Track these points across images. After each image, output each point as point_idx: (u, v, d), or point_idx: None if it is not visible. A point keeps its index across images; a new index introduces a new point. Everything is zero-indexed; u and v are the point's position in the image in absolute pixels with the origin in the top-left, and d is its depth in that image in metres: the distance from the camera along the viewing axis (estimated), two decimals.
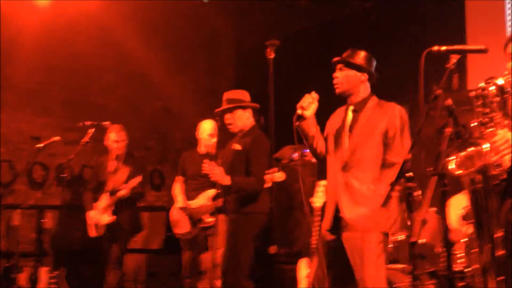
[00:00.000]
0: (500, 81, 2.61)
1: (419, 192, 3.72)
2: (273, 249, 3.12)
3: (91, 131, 5.19)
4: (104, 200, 5.39)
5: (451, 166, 2.35)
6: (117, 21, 7.04)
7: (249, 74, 7.88)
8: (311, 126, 3.30)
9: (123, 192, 5.26)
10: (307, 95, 3.26)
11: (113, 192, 5.36)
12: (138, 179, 5.30)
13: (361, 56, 3.30)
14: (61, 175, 5.00)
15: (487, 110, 2.59)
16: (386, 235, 3.13)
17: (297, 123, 3.25)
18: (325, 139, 3.39)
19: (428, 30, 6.00)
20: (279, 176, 4.44)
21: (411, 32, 6.19)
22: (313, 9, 7.48)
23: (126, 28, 7.15)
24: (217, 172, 4.21)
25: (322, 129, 3.43)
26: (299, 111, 3.21)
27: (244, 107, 4.39)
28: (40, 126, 7.02)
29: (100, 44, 7.35)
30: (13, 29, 6.53)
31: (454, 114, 2.33)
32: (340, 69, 3.31)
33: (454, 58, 2.41)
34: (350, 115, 3.32)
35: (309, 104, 3.24)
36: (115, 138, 5.47)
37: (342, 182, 3.20)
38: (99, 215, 5.36)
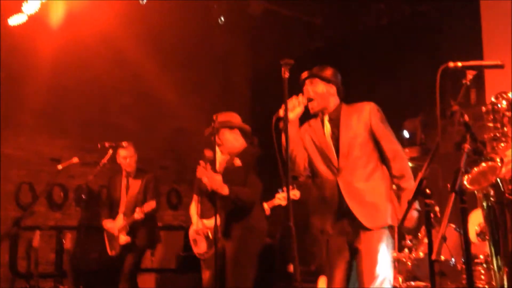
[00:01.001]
0: (511, 95, 2.61)
1: (438, 209, 3.69)
2: (291, 268, 3.09)
3: (109, 152, 5.26)
4: (120, 220, 5.44)
5: (464, 182, 2.34)
6: (132, 42, 7.14)
7: (264, 93, 7.92)
8: (292, 129, 3.23)
9: (137, 216, 5.30)
10: (294, 97, 3.27)
11: (126, 213, 5.41)
12: (152, 205, 5.33)
13: (328, 71, 3.42)
14: (80, 196, 5.05)
15: (498, 125, 2.59)
16: (391, 228, 3.22)
17: (280, 124, 3.17)
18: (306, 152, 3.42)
19: (444, 45, 5.99)
20: (293, 194, 4.44)
21: (427, 48, 6.19)
22: (327, 27, 7.52)
23: (141, 49, 7.25)
24: (216, 178, 4.03)
25: None
26: (281, 111, 3.11)
27: (231, 128, 4.29)
28: (59, 148, 7.12)
29: (116, 65, 7.46)
30: (29, 51, 6.66)
31: (471, 130, 2.32)
32: (311, 82, 3.40)
33: (470, 74, 2.41)
34: (328, 125, 3.38)
35: (293, 107, 3.25)
36: (124, 154, 5.53)
37: (346, 189, 3.25)
38: (118, 234, 5.43)
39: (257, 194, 4.19)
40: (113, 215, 5.56)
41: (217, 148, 4.90)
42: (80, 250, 6.21)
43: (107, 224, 5.50)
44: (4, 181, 6.75)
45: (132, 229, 5.41)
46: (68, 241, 6.40)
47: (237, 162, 4.23)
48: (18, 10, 5.94)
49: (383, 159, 3.30)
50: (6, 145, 6.82)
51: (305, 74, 3.43)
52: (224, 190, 4.03)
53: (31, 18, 6.01)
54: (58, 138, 7.21)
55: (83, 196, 5.14)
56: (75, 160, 5.18)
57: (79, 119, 7.36)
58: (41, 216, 6.96)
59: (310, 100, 3.36)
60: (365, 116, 3.31)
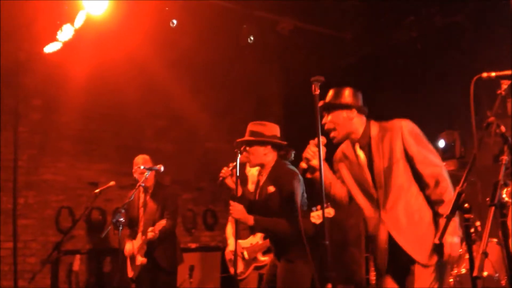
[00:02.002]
0: None
1: (479, 223, 3.59)
2: (330, 287, 3.04)
3: (145, 174, 5.30)
4: (138, 240, 5.34)
5: (503, 195, 2.27)
6: (164, 65, 7.25)
7: (296, 111, 7.92)
8: (325, 173, 3.17)
9: (150, 236, 5.18)
10: (311, 144, 3.17)
11: (144, 232, 5.28)
12: (162, 223, 5.19)
13: (345, 94, 3.24)
14: (118, 219, 5.07)
15: None
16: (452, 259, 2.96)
17: (309, 175, 3.13)
18: (340, 178, 3.30)
19: (477, 57, 5.89)
20: (327, 212, 4.37)
21: (459, 59, 6.09)
22: (357, 42, 7.50)
23: (173, 72, 7.35)
24: (237, 208, 3.87)
25: None
26: (303, 164, 3.12)
27: (262, 143, 4.05)
28: (96, 172, 7.25)
29: (149, 89, 7.60)
30: (64, 78, 6.81)
31: (509, 141, 2.25)
32: (328, 114, 3.24)
33: (505, 84, 2.35)
34: (361, 154, 3.21)
35: (314, 153, 3.14)
36: (139, 164, 5.39)
37: (391, 221, 3.07)
38: (136, 254, 5.32)
39: (296, 225, 3.73)
40: (133, 234, 5.45)
41: (249, 170, 4.90)
42: (120, 272, 6.26)
43: (126, 246, 5.40)
44: (44, 206, 6.91)
45: (150, 250, 5.28)
46: (76, 263, 6.44)
47: (271, 188, 3.99)
48: (53, 38, 6.09)
49: (422, 184, 3.06)
50: (45, 171, 7.00)
51: (320, 104, 3.19)
52: (249, 220, 3.85)
53: (65, 45, 6.16)
54: (95, 162, 7.34)
55: (122, 219, 5.15)
56: (112, 183, 5.25)
57: (115, 143, 7.49)
58: (80, 240, 7.07)
59: (330, 130, 3.25)
60: (397, 138, 3.08)
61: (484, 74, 2.36)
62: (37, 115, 7.03)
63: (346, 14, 7.26)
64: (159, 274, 5.32)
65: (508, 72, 2.38)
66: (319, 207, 4.29)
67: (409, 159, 3.06)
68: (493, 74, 2.36)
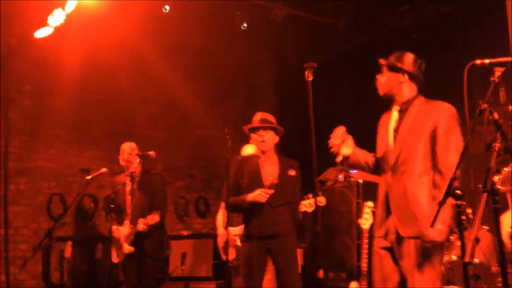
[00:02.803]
0: None
1: (470, 210, 3.61)
2: (321, 273, 3.06)
3: (136, 161, 5.27)
4: (126, 228, 5.27)
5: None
6: (157, 52, 7.21)
7: (289, 98, 7.91)
8: (358, 158, 3.29)
9: (141, 228, 5.12)
10: (333, 136, 3.24)
11: (132, 221, 5.21)
12: (155, 218, 5.15)
13: (400, 58, 3.30)
14: (109, 206, 5.04)
15: None
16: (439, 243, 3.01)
17: (344, 165, 3.32)
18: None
19: (471, 45, 5.89)
20: (320, 200, 4.40)
21: (453, 47, 6.10)
22: (351, 30, 7.48)
23: (166, 59, 7.30)
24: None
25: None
26: (339, 158, 3.24)
27: (277, 131, 4.59)
28: (88, 159, 7.22)
29: (141, 76, 7.55)
30: (57, 65, 6.75)
31: (501, 129, 2.26)
32: (382, 71, 3.33)
33: (498, 71, 2.35)
34: (395, 115, 3.25)
35: (339, 146, 3.21)
36: (126, 151, 5.35)
37: (394, 189, 3.12)
38: (122, 242, 5.26)
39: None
40: (120, 221, 5.35)
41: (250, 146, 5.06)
42: (110, 259, 6.25)
43: (114, 230, 5.30)
44: (35, 193, 6.88)
45: (138, 238, 5.20)
46: (68, 250, 6.41)
47: (292, 172, 4.53)
48: (44, 23, 6.02)
49: (436, 167, 3.06)
50: (36, 158, 6.95)
51: (379, 61, 3.37)
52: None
53: (57, 30, 6.09)
54: (87, 149, 7.31)
55: (113, 206, 5.11)
56: (104, 170, 5.20)
57: (107, 130, 7.44)
58: (72, 226, 7.06)
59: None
60: (434, 115, 3.09)
61: (478, 61, 2.35)
62: (28, 101, 6.98)
63: (339, 2, 7.23)
64: (145, 260, 5.27)
65: (501, 59, 2.38)
66: (310, 195, 4.33)
67: (434, 139, 3.06)
68: (487, 61, 2.36)
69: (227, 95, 8.42)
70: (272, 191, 4.33)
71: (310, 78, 3.08)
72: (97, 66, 7.03)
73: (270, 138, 4.53)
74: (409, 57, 3.29)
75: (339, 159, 3.24)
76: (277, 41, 8.40)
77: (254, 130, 4.54)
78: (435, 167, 3.05)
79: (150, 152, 5.27)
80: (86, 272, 6.81)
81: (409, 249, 3.03)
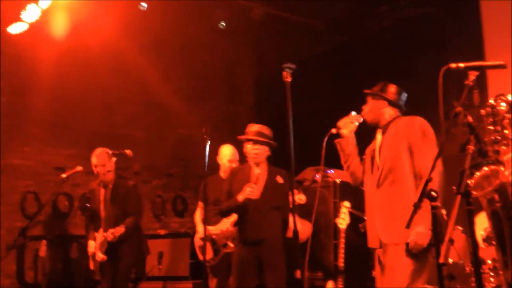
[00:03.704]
0: (510, 98, 2.59)
1: (444, 212, 3.66)
2: (298, 274, 3.07)
3: (113, 159, 5.23)
4: (100, 236, 5.24)
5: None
6: (137, 51, 7.16)
7: (268, 98, 7.92)
8: (348, 145, 3.55)
9: (110, 238, 5.09)
10: (347, 116, 3.53)
11: (106, 229, 5.18)
12: (120, 230, 5.10)
13: (383, 88, 3.55)
14: (84, 205, 4.99)
15: (498, 127, 2.57)
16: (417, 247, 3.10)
17: (336, 140, 3.54)
18: (363, 160, 3.57)
19: (446, 47, 5.97)
20: (299, 198, 4.45)
21: (430, 49, 6.17)
22: (330, 31, 7.51)
23: (145, 58, 7.26)
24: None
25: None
26: (333, 130, 3.50)
27: (270, 146, 4.62)
28: (64, 158, 7.12)
29: (121, 75, 7.48)
30: (34, 62, 6.66)
31: (475, 131, 2.29)
32: (366, 101, 3.60)
33: (472, 75, 2.38)
34: (379, 137, 3.49)
35: (345, 124, 3.51)
36: (94, 162, 5.28)
37: (378, 199, 3.32)
38: (96, 251, 5.25)
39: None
40: (96, 228, 5.35)
41: (221, 158, 5.06)
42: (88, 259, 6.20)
43: (90, 243, 5.30)
44: (9, 191, 6.76)
45: (113, 246, 5.17)
46: (43, 249, 6.33)
47: (279, 179, 4.56)
48: (18, 18, 5.93)
49: (416, 176, 3.27)
50: (11, 156, 6.83)
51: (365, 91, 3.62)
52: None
53: (34, 27, 6.01)
54: (63, 147, 7.21)
55: (88, 205, 5.07)
56: (79, 168, 5.15)
57: (85, 128, 7.36)
58: (47, 225, 6.96)
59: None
60: (408, 129, 3.34)
61: (453, 65, 2.39)
62: (3, 98, 6.86)
63: (318, 2, 7.26)
64: (121, 262, 5.25)
65: (475, 63, 2.42)
66: (296, 191, 4.36)
67: (411, 152, 3.28)
68: (462, 65, 2.39)
69: (206, 94, 8.40)
70: (257, 187, 4.36)
71: (288, 79, 3.09)
72: (76, 64, 6.95)
73: (264, 152, 4.57)
74: (391, 88, 3.55)
75: (334, 131, 3.51)
76: (256, 40, 8.40)
77: (249, 140, 4.57)
78: (416, 177, 3.26)
79: (126, 151, 5.24)
80: (61, 272, 6.74)
81: (393, 255, 3.15)
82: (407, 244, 3.11)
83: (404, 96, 3.57)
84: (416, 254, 3.11)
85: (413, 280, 3.10)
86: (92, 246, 5.29)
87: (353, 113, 3.57)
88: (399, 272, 3.12)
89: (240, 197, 4.37)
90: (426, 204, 2.70)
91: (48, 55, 6.58)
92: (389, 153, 3.34)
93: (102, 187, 5.33)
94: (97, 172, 5.27)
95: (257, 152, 4.53)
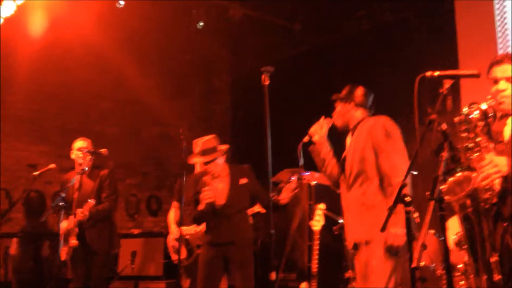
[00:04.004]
0: (483, 106, 2.65)
1: (417, 215, 3.72)
2: (273, 275, 3.09)
3: (88, 158, 5.17)
4: (70, 222, 5.11)
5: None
6: (113, 48, 7.08)
7: (245, 98, 7.93)
8: (322, 150, 3.56)
9: (80, 217, 4.97)
10: (320, 121, 3.54)
11: (75, 214, 5.06)
12: (90, 204, 4.99)
13: (351, 91, 3.55)
14: (58, 203, 4.92)
15: (471, 135, 2.62)
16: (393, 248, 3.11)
17: (310, 147, 3.56)
18: (339, 162, 3.58)
19: (422, 53, 6.06)
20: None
21: (405, 55, 6.26)
22: (307, 33, 7.55)
23: (122, 55, 7.19)
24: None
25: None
26: (305, 138, 3.51)
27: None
28: (37, 154, 7.03)
29: (97, 71, 7.40)
30: (8, 57, 6.55)
31: (449, 139, 2.34)
32: (335, 106, 3.60)
33: (447, 83, 2.43)
34: (348, 140, 3.53)
35: (316, 130, 3.51)
36: (80, 145, 5.24)
37: (349, 202, 3.37)
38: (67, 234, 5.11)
39: None
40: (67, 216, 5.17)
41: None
42: (58, 257, 6.11)
43: (62, 224, 5.10)
44: None
45: (83, 232, 5.08)
46: (13, 247, 6.23)
47: (243, 180, 4.52)
48: None
49: (382, 176, 3.26)
50: None
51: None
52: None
53: (10, 22, 5.91)
54: (36, 144, 7.11)
55: (61, 204, 4.98)
56: (52, 166, 5.09)
57: (59, 125, 7.27)
58: (18, 223, 6.85)
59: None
60: (372, 129, 3.35)
61: (428, 73, 2.43)
62: None
63: (296, 4, 7.29)
64: (93, 256, 5.16)
65: (450, 72, 2.47)
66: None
67: (375, 151, 3.28)
68: (436, 73, 2.43)
69: (182, 92, 8.36)
70: (214, 188, 4.36)
71: (267, 82, 3.12)
72: (52, 60, 6.87)
73: (216, 164, 4.47)
74: (359, 91, 3.55)
75: (306, 139, 3.53)
76: (234, 40, 8.40)
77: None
78: (381, 176, 3.26)
79: (101, 150, 5.19)
80: (32, 270, 6.63)
81: (367, 256, 3.17)
82: (382, 245, 3.11)
83: (372, 97, 3.57)
84: (389, 255, 3.13)
85: (387, 280, 3.12)
86: (64, 226, 5.11)
87: (323, 118, 3.58)
88: (372, 273, 3.14)
89: (200, 206, 4.37)
90: (401, 208, 2.77)
91: (24, 50, 6.49)
92: (357, 155, 3.35)
93: (78, 174, 5.21)
94: (81, 157, 5.16)
95: (211, 169, 4.48)
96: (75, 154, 5.28)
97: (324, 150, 3.57)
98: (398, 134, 3.32)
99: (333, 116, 3.58)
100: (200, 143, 4.48)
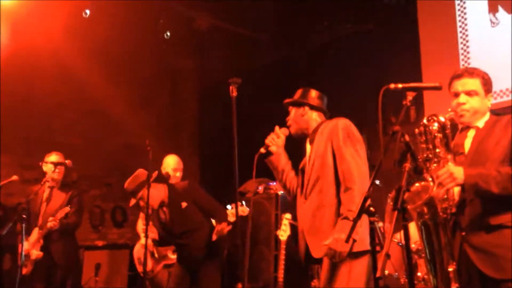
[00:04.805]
0: (442, 119, 2.73)
1: (381, 224, 3.78)
2: (240, 286, 3.09)
3: (56, 170, 5.11)
4: (34, 234, 5.12)
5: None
6: (79, 58, 7.00)
7: (212, 108, 7.92)
8: (279, 161, 3.42)
9: (50, 224, 4.99)
10: (274, 131, 3.39)
11: (42, 226, 5.09)
12: (65, 210, 5.03)
13: (304, 94, 3.43)
14: (20, 216, 4.83)
15: (430, 146, 2.70)
16: (353, 255, 2.98)
17: (266, 159, 3.40)
18: (297, 175, 3.43)
19: (387, 63, 6.17)
20: (242, 210, 4.46)
21: (368, 65, 6.36)
22: (274, 44, 7.61)
23: (88, 65, 7.11)
24: None
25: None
26: (262, 149, 3.35)
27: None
28: None
29: (60, 81, 7.28)
30: None
31: (411, 150, 2.40)
32: (289, 111, 3.47)
33: (410, 95, 2.50)
34: (308, 147, 3.37)
35: (272, 140, 3.36)
36: (53, 159, 5.26)
37: (305, 212, 3.21)
38: (30, 250, 5.09)
39: None
40: (28, 232, 5.15)
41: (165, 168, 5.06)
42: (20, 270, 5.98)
43: (24, 245, 5.04)
44: None
45: (47, 244, 5.11)
46: (8, 262, 6.11)
47: (183, 204, 4.52)
48: None
49: (339, 181, 3.12)
50: None
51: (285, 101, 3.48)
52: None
53: None
54: None
55: (24, 216, 4.89)
56: (15, 178, 5.00)
57: (21, 135, 7.11)
58: None
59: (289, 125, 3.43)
60: (330, 133, 3.20)
61: (392, 86, 2.48)
62: None
63: (263, 15, 7.35)
64: (56, 270, 5.15)
65: (413, 85, 2.53)
66: (233, 205, 4.37)
67: (335, 155, 3.15)
68: (400, 85, 2.49)
69: (148, 102, 8.29)
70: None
71: (234, 93, 3.13)
72: (17, 69, 6.70)
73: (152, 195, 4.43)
74: (312, 93, 3.42)
75: (263, 150, 3.37)
76: (201, 51, 8.40)
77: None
78: (339, 183, 3.12)
79: (66, 161, 5.15)
80: None
81: (324, 268, 3.09)
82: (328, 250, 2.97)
83: (326, 100, 3.44)
84: (339, 263, 3.01)
85: (347, 282, 3.01)
86: (27, 247, 5.07)
87: (277, 128, 3.42)
88: (336, 283, 3.06)
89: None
90: (347, 214, 2.82)
91: None
92: (317, 162, 3.19)
93: (47, 186, 5.26)
94: (54, 171, 5.22)
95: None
96: (48, 167, 5.27)
97: (282, 161, 3.42)
98: (358, 137, 3.19)
99: (287, 121, 3.43)
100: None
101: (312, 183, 3.18)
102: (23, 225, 4.72)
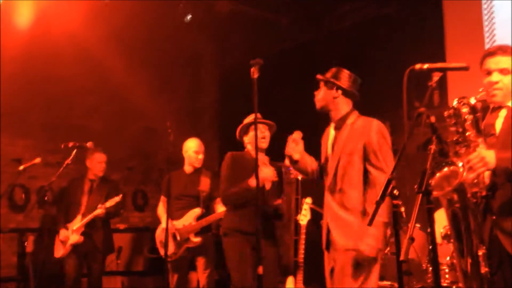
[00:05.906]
0: (472, 101, 2.65)
1: (403, 209, 3.74)
2: (261, 270, 3.09)
3: (73, 152, 5.16)
4: (77, 221, 5.39)
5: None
6: (99, 42, 7.02)
7: (232, 92, 7.90)
8: (306, 164, 3.43)
9: (99, 211, 5.30)
10: (289, 140, 3.37)
11: (85, 214, 5.38)
12: (117, 199, 5.35)
13: (336, 74, 3.37)
14: (43, 198, 4.94)
15: (460, 129, 2.62)
16: (374, 260, 3.08)
17: (294, 167, 3.46)
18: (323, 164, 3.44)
19: (409, 48, 6.07)
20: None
21: (391, 50, 6.26)
22: (294, 28, 7.54)
23: (108, 49, 7.12)
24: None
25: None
26: (287, 161, 3.40)
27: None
28: (21, 149, 6.94)
29: (82, 65, 7.31)
30: None
31: (437, 132, 2.34)
32: (319, 87, 3.43)
33: (436, 76, 2.43)
34: (332, 133, 3.37)
35: (293, 149, 3.35)
36: (100, 159, 5.57)
37: (330, 206, 3.25)
38: (70, 235, 5.37)
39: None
40: (69, 219, 5.45)
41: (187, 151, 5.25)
42: (43, 253, 6.07)
43: (62, 234, 5.41)
44: None
45: (89, 231, 5.41)
46: (30, 244, 6.25)
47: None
48: None
49: (368, 181, 3.17)
50: None
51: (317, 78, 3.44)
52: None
53: None
54: (20, 138, 7.03)
55: (46, 198, 5.02)
56: (37, 160, 5.08)
57: (43, 119, 7.19)
58: (2, 218, 6.77)
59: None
60: (364, 133, 3.20)
61: (417, 66, 2.42)
62: None
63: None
64: (96, 254, 5.46)
65: (439, 65, 2.46)
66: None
67: (366, 157, 3.18)
68: (426, 66, 2.43)
69: (169, 86, 8.30)
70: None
71: (256, 75, 3.08)
72: (37, 54, 6.77)
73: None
74: (345, 74, 3.37)
75: (287, 163, 3.41)
76: (221, 35, 8.36)
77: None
78: (367, 183, 3.16)
79: (87, 144, 5.20)
80: (15, 266, 6.57)
81: (343, 261, 3.12)
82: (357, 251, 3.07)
83: (358, 82, 3.40)
84: (363, 262, 3.09)
85: (363, 281, 3.08)
86: (64, 233, 5.38)
87: (293, 135, 3.40)
88: (348, 276, 3.10)
89: (253, 182, 3.73)
90: (379, 217, 2.80)
91: (9, 44, 6.40)
92: (343, 158, 3.21)
93: (89, 180, 5.58)
94: (100, 168, 5.61)
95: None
96: (93, 164, 5.62)
97: (308, 162, 3.45)
98: (390, 140, 3.23)
99: (315, 96, 3.41)
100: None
101: (338, 179, 3.21)
102: (45, 206, 4.89)
